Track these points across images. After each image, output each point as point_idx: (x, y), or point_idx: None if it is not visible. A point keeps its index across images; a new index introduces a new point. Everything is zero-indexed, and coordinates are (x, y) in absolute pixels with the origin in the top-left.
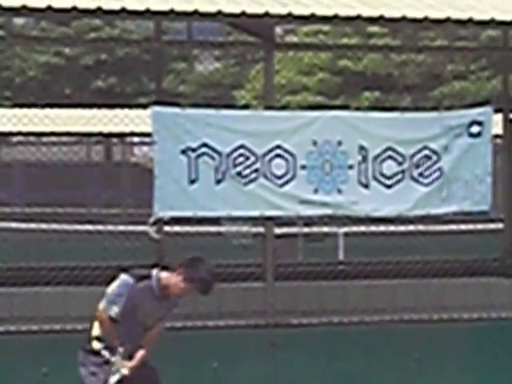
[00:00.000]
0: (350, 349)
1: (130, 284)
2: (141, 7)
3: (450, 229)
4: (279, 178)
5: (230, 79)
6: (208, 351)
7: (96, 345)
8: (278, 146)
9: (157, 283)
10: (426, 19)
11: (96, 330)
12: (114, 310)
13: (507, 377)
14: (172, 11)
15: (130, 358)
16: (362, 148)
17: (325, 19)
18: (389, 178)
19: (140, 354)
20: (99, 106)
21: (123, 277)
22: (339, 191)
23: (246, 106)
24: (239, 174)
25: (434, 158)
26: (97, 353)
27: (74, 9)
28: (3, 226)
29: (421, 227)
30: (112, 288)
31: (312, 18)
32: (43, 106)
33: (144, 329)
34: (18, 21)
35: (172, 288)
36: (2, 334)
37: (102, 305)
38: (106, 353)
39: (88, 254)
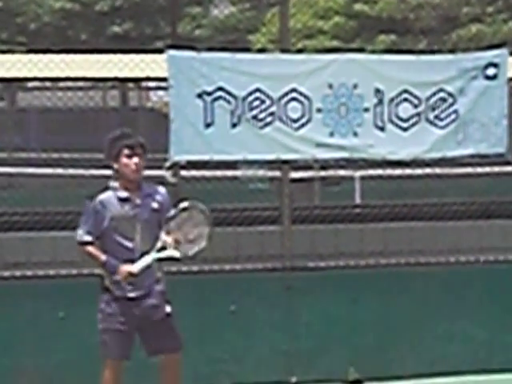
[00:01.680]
0: (366, 292)
1: (89, 204)
2: None
3: (466, 171)
4: (295, 121)
5: (245, 23)
6: (225, 295)
7: (106, 281)
8: (294, 90)
9: (115, 182)
10: None
11: None
12: (79, 234)
13: None
14: None
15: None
16: (377, 91)
17: None
18: (405, 120)
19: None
20: (115, 52)
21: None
22: (355, 134)
23: (261, 50)
24: (255, 117)
25: (450, 100)
26: (107, 289)
27: None
28: (19, 171)
29: (437, 170)
30: None
31: None
32: (58, 52)
33: (143, 236)
34: None
35: (125, 174)
36: (19, 279)
37: None
38: (113, 287)
39: None
